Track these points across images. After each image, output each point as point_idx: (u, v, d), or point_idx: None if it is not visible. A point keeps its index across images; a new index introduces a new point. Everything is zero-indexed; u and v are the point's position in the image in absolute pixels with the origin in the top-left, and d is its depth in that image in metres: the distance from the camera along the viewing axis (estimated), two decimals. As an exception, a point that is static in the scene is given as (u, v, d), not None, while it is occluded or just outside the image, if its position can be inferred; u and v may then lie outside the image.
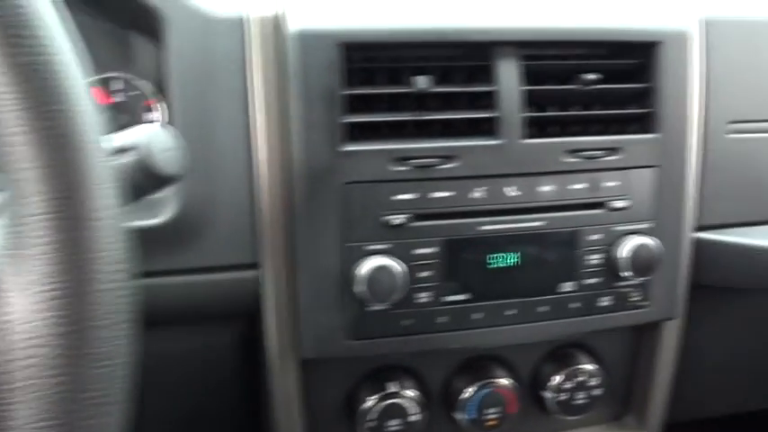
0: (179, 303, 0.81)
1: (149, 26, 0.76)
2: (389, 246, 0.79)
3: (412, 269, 0.80)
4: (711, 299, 1.03)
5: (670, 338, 1.00)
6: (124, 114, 0.90)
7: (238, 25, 0.77)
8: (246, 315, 0.85)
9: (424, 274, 0.81)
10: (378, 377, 0.91)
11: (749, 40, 0.94)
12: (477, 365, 0.95)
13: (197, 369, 0.90)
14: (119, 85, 0.87)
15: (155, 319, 0.80)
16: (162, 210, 0.77)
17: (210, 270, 0.80)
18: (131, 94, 0.89)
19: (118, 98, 0.88)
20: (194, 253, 0.79)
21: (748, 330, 1.09)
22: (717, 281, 0.97)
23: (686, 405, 1.10)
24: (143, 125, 0.54)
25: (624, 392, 1.06)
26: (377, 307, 0.80)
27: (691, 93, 0.88)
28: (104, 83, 0.86)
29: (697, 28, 0.90)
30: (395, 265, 0.78)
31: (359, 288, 0.77)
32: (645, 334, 1.01)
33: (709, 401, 1.17)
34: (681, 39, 0.86)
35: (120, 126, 0.88)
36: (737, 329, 1.09)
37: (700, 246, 0.95)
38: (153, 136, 0.52)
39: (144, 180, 0.52)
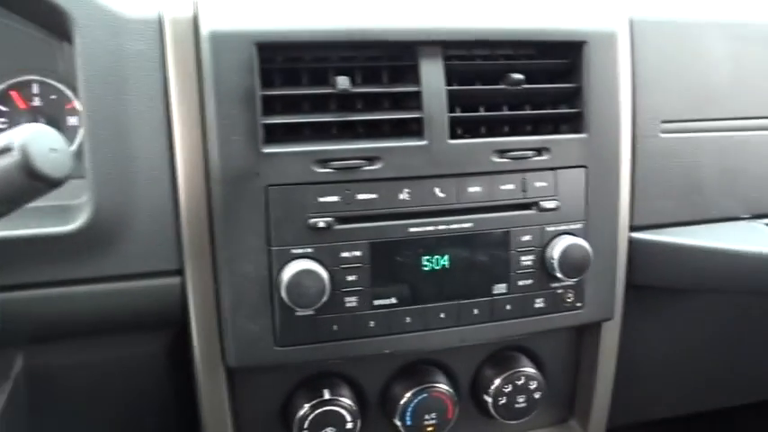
0: (100, 313, 0.79)
1: (60, 27, 0.74)
2: (314, 249, 0.78)
3: (338, 273, 0.79)
4: (651, 299, 1.03)
5: (610, 340, 0.99)
6: (43, 119, 0.88)
7: (153, 26, 0.75)
8: (174, 324, 0.82)
9: (351, 277, 0.79)
10: (313, 385, 0.89)
11: (676, 40, 0.94)
12: (415, 371, 0.94)
13: (128, 379, 0.88)
14: (36, 89, 0.84)
15: (77, 328, 0.79)
16: (75, 216, 0.74)
17: (131, 277, 0.78)
18: (51, 98, 0.86)
19: (36, 102, 0.86)
20: (112, 260, 0.77)
21: (688, 331, 1.09)
22: (652, 281, 0.97)
23: (630, 407, 1.10)
24: (26, 125, 0.51)
25: (567, 395, 1.05)
26: (303, 312, 0.79)
27: (619, 92, 0.88)
28: (20, 87, 0.83)
29: (624, 28, 0.90)
30: (319, 269, 0.76)
31: (283, 293, 0.76)
32: (585, 336, 1.01)
33: (653, 404, 1.17)
34: (607, 38, 0.86)
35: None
36: (678, 330, 1.09)
37: (634, 246, 0.95)
38: (34, 136, 0.49)
39: (25, 183, 0.49)
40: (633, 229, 0.95)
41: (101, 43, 0.73)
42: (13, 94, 0.87)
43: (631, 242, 0.95)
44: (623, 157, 0.91)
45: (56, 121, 0.85)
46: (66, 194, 0.77)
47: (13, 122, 0.87)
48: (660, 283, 0.98)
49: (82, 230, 0.74)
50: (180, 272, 0.79)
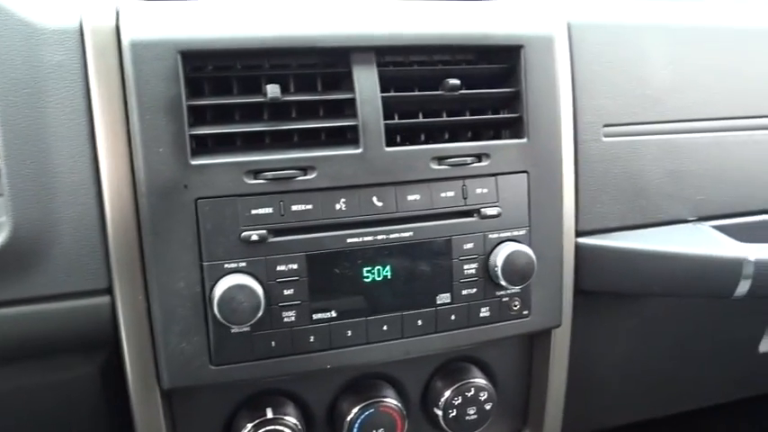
0: (25, 336, 0.75)
1: None
2: (247, 263, 0.75)
3: (273, 287, 0.76)
4: (600, 305, 1.03)
5: (560, 348, 0.98)
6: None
7: (74, 36, 0.73)
8: (106, 344, 0.79)
9: (288, 291, 0.77)
10: (255, 403, 0.86)
11: (615, 43, 0.94)
12: (362, 385, 0.91)
13: (61, 404, 0.84)
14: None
15: (2, 353, 0.75)
16: None
17: (56, 298, 0.74)
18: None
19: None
20: (35, 280, 0.73)
21: (640, 337, 1.09)
22: (600, 286, 0.97)
23: (584, 416, 1.09)
24: None
25: (520, 406, 1.03)
26: (238, 329, 0.76)
27: (559, 97, 0.87)
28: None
29: (562, 32, 0.90)
30: (253, 283, 0.74)
31: (215, 309, 0.73)
32: (535, 344, 1.00)
33: (608, 411, 1.16)
34: (544, 42, 0.85)
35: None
36: (629, 336, 1.09)
37: (580, 251, 0.94)
38: None
39: None
40: (579, 234, 0.94)
41: (15, 54, 0.69)
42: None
43: (578, 247, 0.94)
44: (566, 161, 0.90)
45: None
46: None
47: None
48: (608, 288, 0.97)
49: (0, 250, 0.70)
50: (109, 290, 0.76)
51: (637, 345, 1.10)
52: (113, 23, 0.73)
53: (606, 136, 0.94)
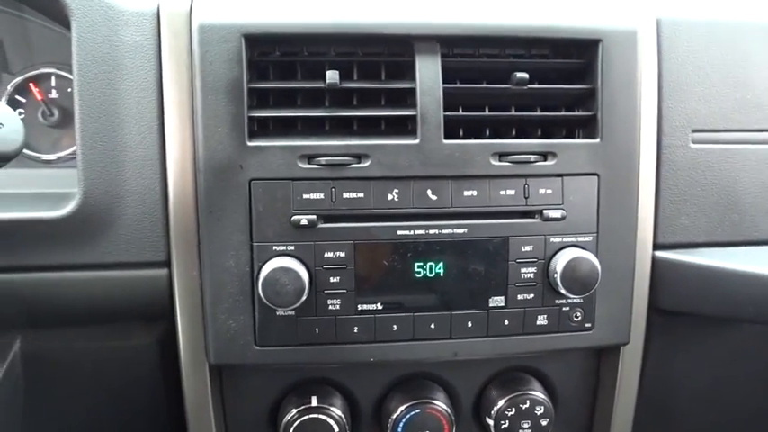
0: (90, 300, 0.80)
1: (60, 15, 0.76)
2: (296, 247, 0.76)
3: (320, 273, 0.76)
4: (681, 327, 0.94)
5: (630, 369, 0.91)
6: (58, 111, 0.91)
7: (151, 19, 0.77)
8: (163, 316, 0.82)
9: (334, 279, 0.77)
10: (304, 390, 0.86)
11: (710, 42, 0.86)
12: (413, 385, 0.89)
13: (120, 370, 0.88)
14: (53, 82, 0.88)
15: (69, 315, 0.80)
16: (65, 202, 0.76)
17: (119, 266, 0.78)
18: (68, 91, 0.90)
19: (53, 94, 0.89)
20: (101, 248, 0.77)
21: (724, 367, 0.98)
22: (679, 306, 0.88)
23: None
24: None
25: (584, 425, 0.97)
26: (283, 312, 0.77)
27: (639, 96, 0.81)
28: (38, 79, 0.87)
29: (650, 28, 0.84)
30: (300, 267, 0.74)
31: (259, 290, 0.74)
32: (602, 362, 0.93)
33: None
34: (625, 37, 0.80)
35: (57, 123, 0.89)
36: (712, 365, 0.98)
37: (658, 266, 0.87)
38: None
39: None
40: (658, 246, 0.87)
41: (96, 32, 0.74)
42: (32, 85, 0.91)
43: (655, 261, 0.87)
44: (645, 166, 0.84)
45: (71, 114, 0.88)
46: (65, 184, 0.80)
47: (30, 113, 0.91)
48: (690, 309, 0.89)
49: (71, 216, 0.75)
50: (167, 264, 0.79)
51: (722, 376, 0.99)
52: (187, 8, 0.76)
53: (695, 142, 0.87)
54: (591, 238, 0.80)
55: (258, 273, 0.75)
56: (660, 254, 0.87)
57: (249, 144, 0.74)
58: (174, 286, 0.79)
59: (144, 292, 0.80)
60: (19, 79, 0.91)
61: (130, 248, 0.78)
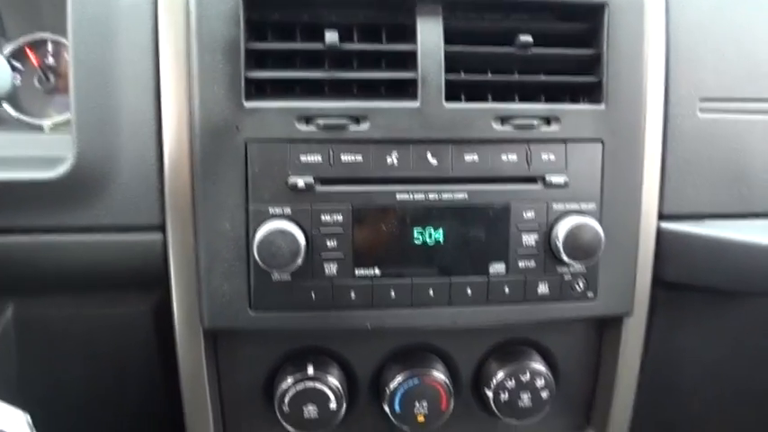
0: (84, 265, 0.79)
1: None
2: (292, 210, 0.74)
3: (317, 237, 0.75)
4: (687, 301, 0.92)
5: (633, 341, 0.89)
6: (54, 77, 0.90)
7: (147, -23, 0.75)
8: (158, 283, 0.81)
9: (331, 243, 0.75)
10: (300, 360, 0.85)
11: (723, 9, 0.84)
12: (411, 356, 0.88)
13: (115, 338, 0.87)
14: (50, 48, 0.87)
15: (63, 279, 0.79)
16: (59, 163, 0.75)
17: (113, 229, 0.77)
18: (64, 56, 0.89)
19: (49, 61, 0.88)
20: (95, 210, 0.76)
21: (732, 343, 0.96)
22: (685, 278, 0.87)
23: (655, 426, 0.98)
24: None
25: (584, 401, 0.95)
26: (278, 276, 0.75)
27: (645, 62, 0.79)
28: (35, 45, 0.86)
29: (657, -8, 0.82)
30: (296, 230, 0.73)
31: (254, 252, 0.72)
32: (605, 336, 0.91)
33: (683, 426, 1.03)
34: (632, 3, 0.78)
35: (54, 89, 0.88)
36: (719, 341, 0.96)
37: (663, 236, 0.85)
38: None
39: None
40: (663, 217, 0.85)
41: (92, -10, 0.73)
42: (28, 51, 0.89)
43: (660, 232, 0.85)
44: (650, 134, 0.82)
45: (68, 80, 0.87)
46: (61, 148, 0.78)
47: (26, 79, 0.90)
48: (696, 282, 0.87)
49: (64, 178, 0.74)
50: (162, 228, 0.78)
51: (727, 352, 0.98)
52: None
53: (703, 111, 0.85)
54: (594, 205, 0.79)
55: (253, 235, 0.74)
56: (665, 225, 0.85)
57: (246, 105, 0.73)
58: (169, 250, 0.78)
59: (138, 257, 0.79)
60: (15, 44, 0.90)
61: (125, 211, 0.77)
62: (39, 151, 0.82)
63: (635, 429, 0.94)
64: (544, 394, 0.87)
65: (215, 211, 0.75)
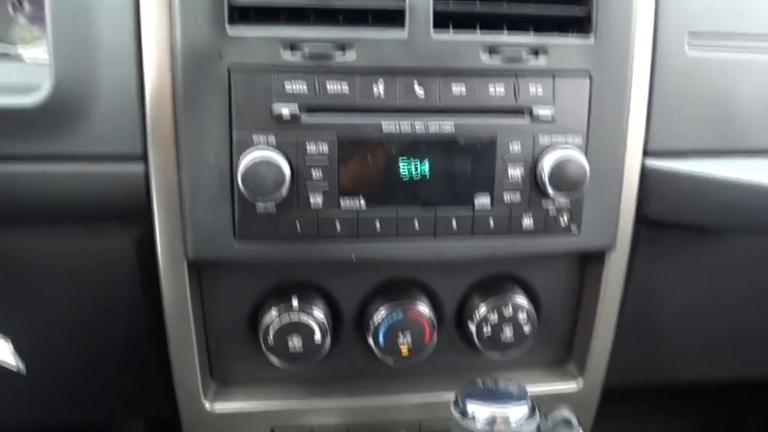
0: (64, 194, 0.77)
1: None
2: (277, 139, 0.73)
3: (302, 167, 0.74)
4: (669, 240, 0.93)
5: (614, 279, 0.90)
6: (31, 4, 0.87)
7: None
8: (141, 215, 0.80)
9: (316, 173, 0.75)
10: (284, 293, 0.85)
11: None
12: (395, 290, 0.88)
13: (97, 273, 0.86)
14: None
15: (44, 210, 0.77)
16: (36, 89, 0.73)
17: (93, 159, 0.76)
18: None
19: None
20: (74, 138, 0.75)
21: (714, 284, 0.98)
22: (666, 216, 0.87)
23: (632, 364, 1.00)
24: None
25: (565, 336, 0.97)
26: (263, 207, 0.75)
27: (636, -4, 0.78)
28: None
29: None
30: (280, 159, 0.72)
31: (239, 180, 0.72)
32: (587, 272, 0.93)
33: (660, 364, 1.05)
34: (623, -71, 0.76)
35: (29, 16, 0.85)
36: (701, 281, 0.98)
37: (648, 173, 0.85)
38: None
39: None
40: (648, 154, 0.85)
41: None
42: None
43: (645, 168, 0.85)
44: (638, 70, 0.81)
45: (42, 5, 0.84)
46: (36, 76, 0.76)
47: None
48: (677, 219, 0.88)
49: (42, 105, 0.72)
50: (144, 158, 0.76)
51: (707, 293, 0.99)
52: None
53: (692, 48, 0.84)
54: (580, 139, 0.79)
55: (237, 165, 0.73)
56: (650, 161, 0.85)
57: (229, 31, 0.71)
58: (151, 181, 0.77)
59: (120, 188, 0.78)
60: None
61: (105, 141, 0.75)
62: (15, 79, 0.80)
63: (613, 364, 0.96)
64: (526, 328, 0.88)
65: (198, 140, 0.74)
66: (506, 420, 0.70)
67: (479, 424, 0.70)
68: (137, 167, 0.77)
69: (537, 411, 0.71)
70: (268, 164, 0.71)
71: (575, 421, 0.80)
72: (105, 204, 0.79)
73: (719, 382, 1.18)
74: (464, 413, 0.71)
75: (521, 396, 0.72)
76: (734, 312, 1.02)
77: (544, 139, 0.78)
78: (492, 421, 0.70)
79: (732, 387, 1.44)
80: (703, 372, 1.11)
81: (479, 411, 0.70)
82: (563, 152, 0.76)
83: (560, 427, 0.80)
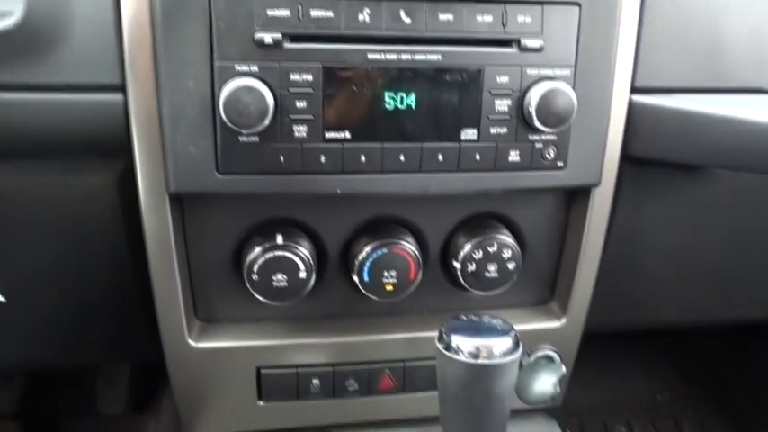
0: (41, 126, 0.75)
1: None
2: (260, 68, 0.71)
3: (286, 97, 0.72)
4: (654, 179, 0.93)
5: (598, 217, 0.90)
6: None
7: None
8: (120, 150, 0.78)
9: (301, 104, 0.73)
10: (269, 230, 0.84)
11: None
12: (380, 228, 0.88)
13: (77, 210, 0.84)
14: None
15: (19, 143, 0.75)
16: (7, 15, 0.70)
17: (68, 89, 0.73)
18: None
19: None
20: (48, 68, 0.72)
21: (699, 224, 0.98)
22: (652, 153, 0.87)
23: (614, 305, 1.01)
24: None
25: (548, 276, 0.98)
26: (246, 138, 0.73)
27: None
28: None
29: None
30: (263, 88, 0.70)
31: (221, 110, 0.70)
32: (572, 210, 0.92)
33: (641, 306, 1.07)
34: None
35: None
36: (685, 221, 0.98)
37: (634, 110, 0.85)
38: None
39: None
40: (635, 90, 0.84)
41: None
42: None
43: (632, 105, 0.84)
44: (629, 4, 0.80)
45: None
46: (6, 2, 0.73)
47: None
48: (663, 156, 0.88)
49: (13, 29, 0.69)
50: (122, 88, 0.74)
51: (690, 234, 1.00)
52: None
53: (681, -21, 0.83)
54: (568, 71, 0.78)
55: (219, 93, 0.71)
56: (637, 97, 0.85)
57: (209, -47, 0.69)
58: (131, 111, 0.75)
59: (98, 119, 0.75)
60: None
61: (80, 69, 0.73)
62: None
63: (596, 304, 0.97)
64: (510, 266, 0.89)
65: (178, 68, 0.71)
66: (490, 352, 0.70)
67: (463, 356, 0.70)
68: (115, 98, 0.74)
69: (520, 345, 0.71)
70: (250, 90, 0.69)
71: (557, 358, 0.82)
72: (84, 137, 0.77)
73: (697, 323, 1.20)
74: (448, 346, 0.71)
75: (505, 330, 0.72)
76: (715, 254, 1.03)
77: (532, 72, 0.76)
78: (476, 353, 0.70)
79: (708, 334, 1.47)
80: (683, 314, 1.13)
81: (463, 344, 0.70)
82: (551, 84, 0.75)
83: (542, 361, 0.81)
